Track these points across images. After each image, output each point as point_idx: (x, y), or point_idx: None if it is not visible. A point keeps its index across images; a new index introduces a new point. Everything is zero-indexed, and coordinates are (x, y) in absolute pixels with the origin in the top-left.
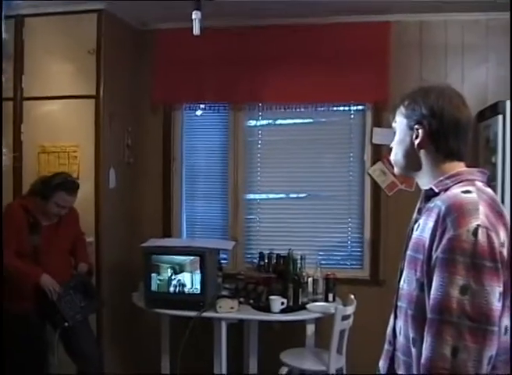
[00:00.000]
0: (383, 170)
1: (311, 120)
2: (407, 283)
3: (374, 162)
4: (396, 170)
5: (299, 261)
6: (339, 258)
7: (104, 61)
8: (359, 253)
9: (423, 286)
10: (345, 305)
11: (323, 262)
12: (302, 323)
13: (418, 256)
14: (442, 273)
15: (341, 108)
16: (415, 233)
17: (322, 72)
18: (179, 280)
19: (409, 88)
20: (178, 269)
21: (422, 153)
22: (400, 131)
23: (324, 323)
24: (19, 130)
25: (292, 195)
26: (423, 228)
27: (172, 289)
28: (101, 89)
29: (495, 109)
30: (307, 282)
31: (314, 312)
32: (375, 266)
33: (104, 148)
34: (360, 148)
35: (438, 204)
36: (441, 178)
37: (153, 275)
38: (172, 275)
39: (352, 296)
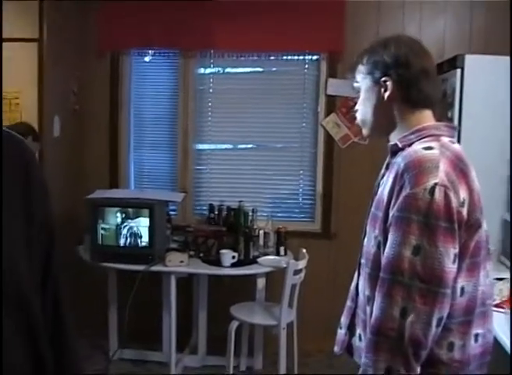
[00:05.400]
0: (337, 122)
1: (263, 69)
2: (367, 241)
3: (328, 114)
4: (365, 132)
5: (250, 213)
6: (290, 210)
7: (48, 1)
8: (310, 206)
9: (380, 244)
10: (296, 259)
11: (274, 214)
12: (253, 277)
13: (378, 214)
14: (396, 232)
15: (295, 57)
16: (379, 190)
17: (277, 19)
18: (129, 229)
19: (365, 40)
20: (126, 220)
21: (390, 106)
22: (365, 89)
23: (275, 276)
24: None
25: (243, 146)
26: (385, 185)
27: (119, 242)
28: (45, 32)
29: (453, 63)
30: (258, 235)
31: (265, 267)
32: (326, 219)
33: (48, 95)
34: (313, 99)
35: (398, 160)
36: (405, 133)
37: (99, 228)
38: (120, 226)
39: (304, 250)
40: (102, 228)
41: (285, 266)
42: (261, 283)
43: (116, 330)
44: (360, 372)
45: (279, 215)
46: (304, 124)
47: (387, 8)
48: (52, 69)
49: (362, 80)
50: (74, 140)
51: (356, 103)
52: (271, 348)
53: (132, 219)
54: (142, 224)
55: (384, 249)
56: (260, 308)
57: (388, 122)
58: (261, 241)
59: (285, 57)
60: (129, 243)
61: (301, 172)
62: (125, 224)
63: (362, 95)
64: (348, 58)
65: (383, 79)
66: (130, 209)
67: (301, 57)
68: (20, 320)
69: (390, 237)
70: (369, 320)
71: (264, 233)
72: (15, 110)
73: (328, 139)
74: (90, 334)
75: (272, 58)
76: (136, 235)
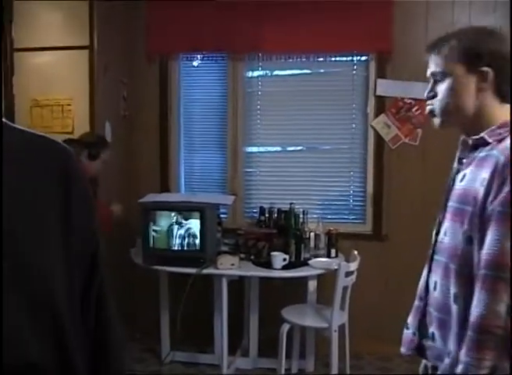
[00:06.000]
0: (387, 123)
1: (312, 71)
2: (449, 237)
3: (377, 115)
4: (438, 122)
5: (301, 215)
6: (340, 212)
7: (97, 9)
8: (361, 207)
9: (471, 239)
10: (348, 261)
11: (324, 216)
12: (304, 280)
13: (466, 208)
14: (499, 227)
15: (344, 58)
16: (460, 184)
17: (325, 20)
18: (181, 232)
19: (414, 40)
20: (177, 223)
21: (482, 97)
22: (456, 77)
23: (326, 278)
24: (11, 82)
25: (293, 148)
26: (473, 179)
27: (171, 245)
28: (95, 39)
29: None
30: (309, 237)
31: (316, 269)
32: (377, 220)
33: (99, 101)
34: (363, 100)
35: (494, 154)
36: (493, 127)
37: (151, 231)
38: (171, 229)
39: (355, 252)
40: (154, 231)
41: (336, 268)
42: (312, 285)
43: (168, 333)
44: (459, 371)
45: (330, 217)
46: (353, 125)
47: (436, 8)
48: (103, 76)
49: (451, 65)
50: (125, 145)
51: (406, 102)
52: (322, 350)
53: (183, 222)
54: (193, 227)
55: (478, 245)
56: (311, 311)
57: (472, 113)
58: (312, 243)
59: (333, 58)
60: (181, 246)
61: (351, 173)
62: (176, 227)
63: (449, 84)
64: (397, 59)
65: (484, 69)
66: (182, 213)
67: (350, 58)
68: (49, 326)
69: (491, 232)
70: (456, 319)
71: (315, 235)
72: (67, 117)
73: (378, 140)
74: (143, 337)
75: (320, 59)
76: (187, 238)
